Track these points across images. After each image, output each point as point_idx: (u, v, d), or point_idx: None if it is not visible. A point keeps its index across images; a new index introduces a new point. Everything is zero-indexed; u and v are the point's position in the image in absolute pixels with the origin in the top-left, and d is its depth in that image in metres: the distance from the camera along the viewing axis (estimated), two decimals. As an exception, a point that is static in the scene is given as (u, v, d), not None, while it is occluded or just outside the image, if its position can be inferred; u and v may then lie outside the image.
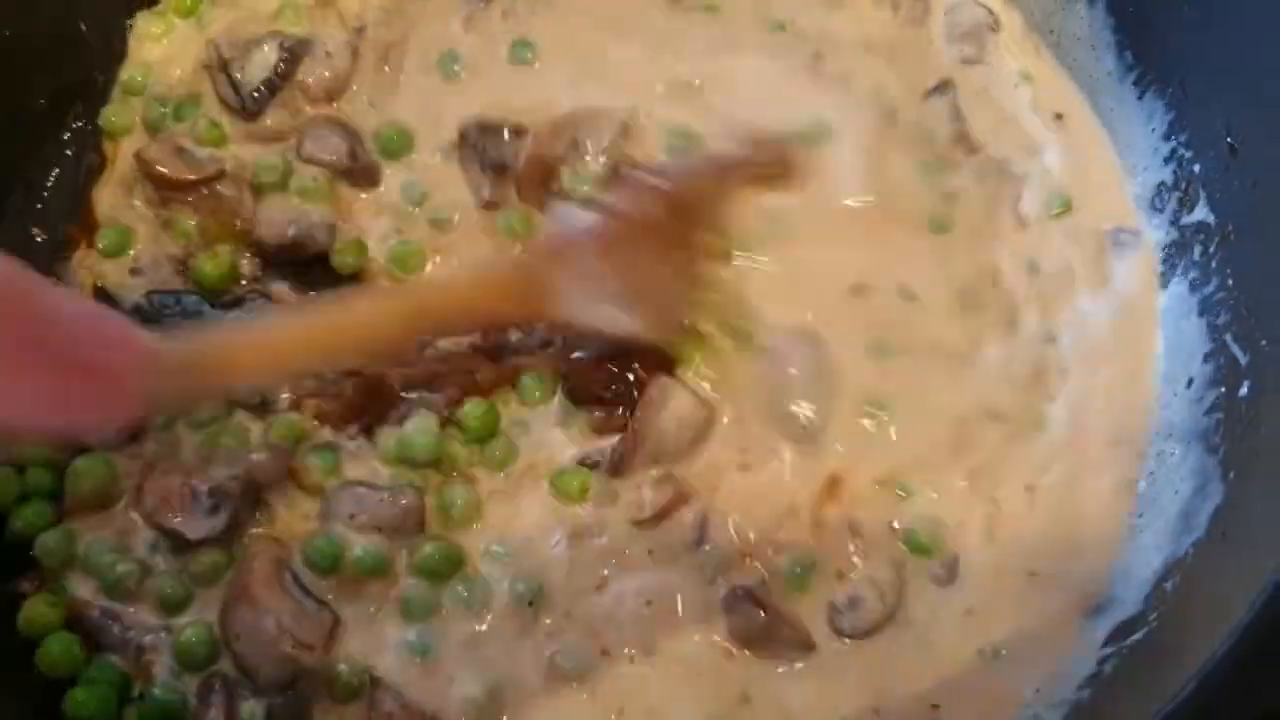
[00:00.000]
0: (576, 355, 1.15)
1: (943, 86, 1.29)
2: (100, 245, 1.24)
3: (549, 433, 1.15)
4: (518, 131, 1.23)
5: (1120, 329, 1.21)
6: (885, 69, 1.30)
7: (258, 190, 1.23)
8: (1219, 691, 0.85)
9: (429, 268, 1.22)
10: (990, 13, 1.34)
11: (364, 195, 1.26)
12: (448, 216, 1.23)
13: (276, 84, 1.28)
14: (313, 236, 1.21)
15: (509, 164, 1.23)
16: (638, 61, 1.29)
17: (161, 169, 1.23)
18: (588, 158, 1.21)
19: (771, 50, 1.30)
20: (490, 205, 1.23)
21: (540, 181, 1.22)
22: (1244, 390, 1.09)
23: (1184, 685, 0.85)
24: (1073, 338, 1.20)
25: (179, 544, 1.07)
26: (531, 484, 1.12)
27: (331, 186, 1.24)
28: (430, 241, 1.23)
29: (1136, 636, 1.05)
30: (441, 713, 1.03)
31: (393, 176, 1.26)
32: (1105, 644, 1.07)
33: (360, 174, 1.26)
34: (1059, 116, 1.30)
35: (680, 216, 1.10)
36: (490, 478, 1.13)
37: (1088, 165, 1.28)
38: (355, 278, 1.22)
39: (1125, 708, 0.99)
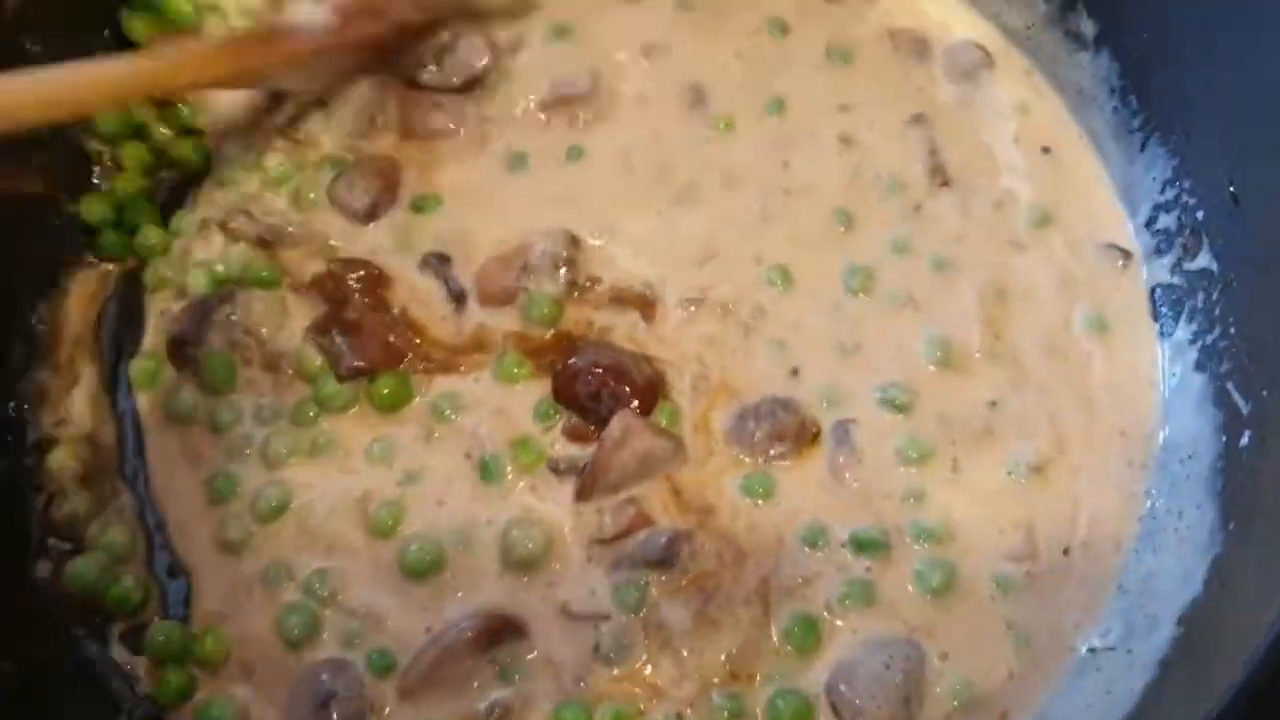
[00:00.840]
0: (573, 361, 1.17)
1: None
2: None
3: (524, 415, 1.16)
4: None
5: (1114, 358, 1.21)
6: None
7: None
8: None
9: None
10: (986, 53, 1.35)
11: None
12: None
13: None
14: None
15: (466, 293, 1.23)
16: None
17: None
18: (545, 281, 1.21)
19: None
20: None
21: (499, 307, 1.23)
22: (1245, 440, 1.08)
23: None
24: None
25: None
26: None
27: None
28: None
29: (1136, 688, 1.03)
30: None
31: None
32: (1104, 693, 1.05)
33: (364, 215, 1.27)
34: (1046, 150, 1.31)
35: None
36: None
37: (1079, 193, 1.29)
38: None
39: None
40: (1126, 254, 1.25)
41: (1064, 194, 1.29)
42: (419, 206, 1.28)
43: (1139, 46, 1.26)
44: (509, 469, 1.14)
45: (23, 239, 1.22)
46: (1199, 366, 1.16)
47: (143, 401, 1.20)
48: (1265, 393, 1.07)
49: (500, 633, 1.05)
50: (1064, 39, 1.33)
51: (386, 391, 1.16)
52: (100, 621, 1.10)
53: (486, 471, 1.14)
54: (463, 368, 1.19)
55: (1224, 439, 1.10)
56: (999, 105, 1.34)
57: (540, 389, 1.17)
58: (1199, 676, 0.97)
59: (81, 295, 1.24)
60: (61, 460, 1.16)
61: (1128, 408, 1.18)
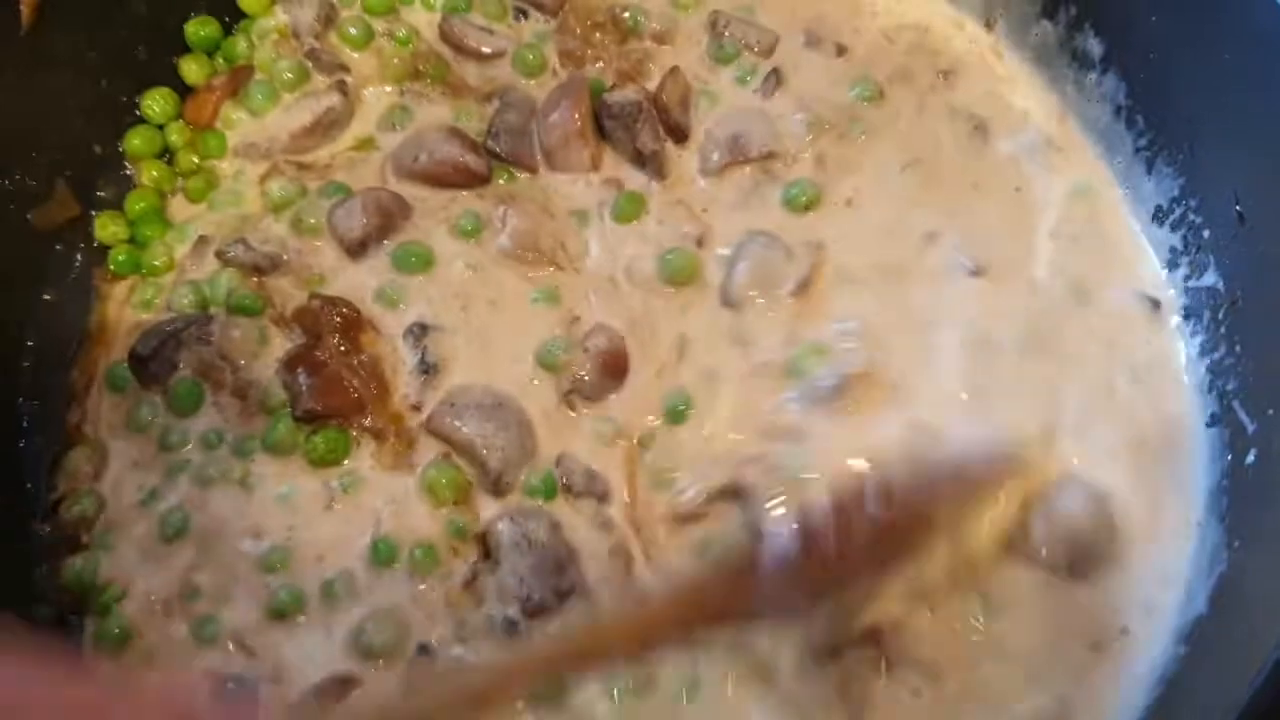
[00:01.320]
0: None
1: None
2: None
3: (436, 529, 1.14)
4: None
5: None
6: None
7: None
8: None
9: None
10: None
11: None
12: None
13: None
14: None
15: (438, 367, 1.20)
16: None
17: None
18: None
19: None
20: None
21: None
22: (1250, 458, 1.08)
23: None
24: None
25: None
26: None
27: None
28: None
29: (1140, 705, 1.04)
30: None
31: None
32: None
33: (356, 249, 1.25)
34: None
35: (899, 533, 1.04)
36: None
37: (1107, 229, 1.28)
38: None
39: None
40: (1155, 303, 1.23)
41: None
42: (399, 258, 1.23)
43: (1145, 65, 1.26)
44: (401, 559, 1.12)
45: (63, 255, 1.28)
46: (1205, 384, 1.17)
47: (109, 401, 1.21)
48: (1271, 411, 1.07)
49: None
50: (1071, 60, 1.33)
51: (323, 447, 1.15)
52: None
53: (377, 554, 1.12)
54: (394, 451, 1.16)
55: (1229, 457, 1.11)
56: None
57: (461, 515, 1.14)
58: (1203, 694, 0.97)
59: (116, 302, 1.27)
60: (76, 462, 1.18)
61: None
